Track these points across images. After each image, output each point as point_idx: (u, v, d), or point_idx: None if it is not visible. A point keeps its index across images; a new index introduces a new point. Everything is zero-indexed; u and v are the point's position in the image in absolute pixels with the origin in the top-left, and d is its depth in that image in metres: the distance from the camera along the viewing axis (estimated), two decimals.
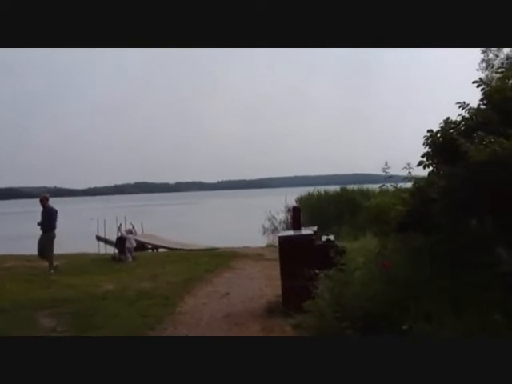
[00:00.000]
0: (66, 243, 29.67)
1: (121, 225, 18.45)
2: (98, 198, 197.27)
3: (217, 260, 15.40)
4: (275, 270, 12.90)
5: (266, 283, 11.28)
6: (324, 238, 15.40)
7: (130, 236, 16.99)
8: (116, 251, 16.97)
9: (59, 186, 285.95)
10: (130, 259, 16.15)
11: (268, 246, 22.39)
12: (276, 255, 16.98)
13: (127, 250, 16.35)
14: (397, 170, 7.13)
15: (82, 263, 16.11)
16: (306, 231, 8.99)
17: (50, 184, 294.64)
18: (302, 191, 37.69)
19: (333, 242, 13.88)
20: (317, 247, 8.56)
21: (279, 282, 11.03)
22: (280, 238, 8.48)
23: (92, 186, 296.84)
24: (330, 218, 28.50)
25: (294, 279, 8.21)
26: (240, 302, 9.56)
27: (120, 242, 16.85)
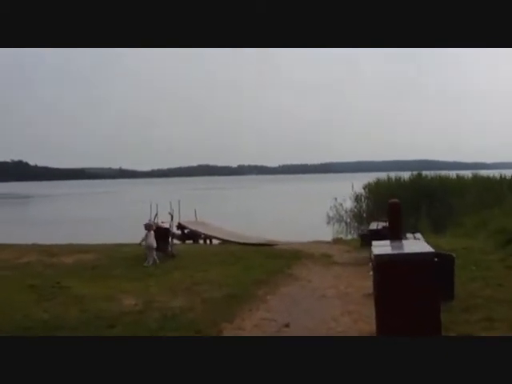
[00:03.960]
0: (116, 228, 27.88)
1: (156, 214, 15.26)
2: (160, 180, 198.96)
3: (274, 263, 12.17)
4: (351, 285, 9.69)
5: (342, 308, 7.99)
6: (409, 235, 12.03)
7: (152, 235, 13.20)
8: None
9: (124, 167, 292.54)
10: (150, 263, 12.62)
11: (335, 240, 19.21)
12: (348, 257, 14.04)
13: (149, 249, 12.84)
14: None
15: (111, 260, 13.29)
16: (418, 244, 5.61)
17: (116, 165, 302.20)
18: (366, 177, 34.45)
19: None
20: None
21: (362, 308, 7.83)
22: (378, 257, 5.10)
23: (156, 167, 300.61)
24: (404, 208, 25.03)
25: (401, 321, 4.95)
26: None
27: (156, 236, 13.83)
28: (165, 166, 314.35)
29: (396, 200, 7.01)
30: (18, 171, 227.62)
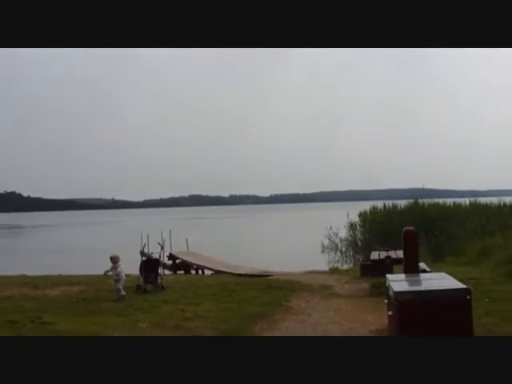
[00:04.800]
0: (106, 258, 27.09)
1: (145, 245, 14.49)
2: (153, 210, 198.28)
3: (270, 295, 11.50)
4: (355, 319, 8.99)
5: None
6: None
7: (119, 266, 12.33)
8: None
9: (117, 198, 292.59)
10: (122, 293, 11.91)
11: (332, 270, 18.55)
12: (348, 288, 13.29)
13: (117, 283, 12.08)
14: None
15: (97, 293, 12.57)
16: (443, 279, 4.96)
17: (108, 196, 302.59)
18: (358, 205, 34.06)
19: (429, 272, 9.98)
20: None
21: None
22: (400, 294, 4.41)
23: (148, 198, 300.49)
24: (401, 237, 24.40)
25: None
26: None
27: (146, 267, 13.14)
28: (157, 196, 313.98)
29: (411, 227, 6.38)
30: (11, 202, 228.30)
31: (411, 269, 5.81)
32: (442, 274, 5.16)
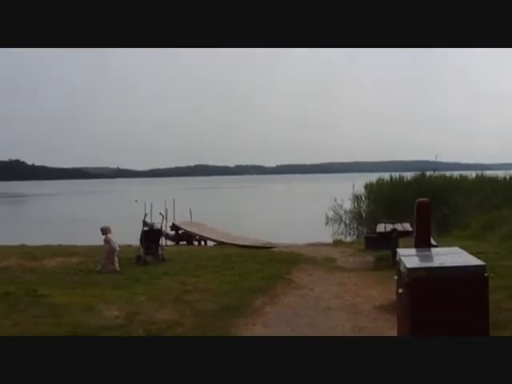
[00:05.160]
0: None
1: (146, 215, 14.19)
2: (158, 179, 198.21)
3: (273, 268, 11.23)
4: (358, 294, 8.76)
5: (350, 322, 7.03)
6: None
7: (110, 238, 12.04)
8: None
9: (122, 167, 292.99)
10: (117, 267, 11.69)
11: (336, 242, 18.27)
12: (353, 261, 13.07)
13: (109, 253, 11.87)
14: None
15: (96, 264, 12.29)
16: (458, 254, 4.65)
17: (113, 165, 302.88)
18: (364, 177, 33.77)
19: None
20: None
21: (375, 324, 6.91)
22: (413, 271, 4.08)
23: (154, 167, 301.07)
24: (407, 209, 24.08)
25: None
26: None
27: (146, 238, 12.88)
28: (163, 165, 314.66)
29: (425, 199, 6.02)
30: (15, 170, 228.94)
31: (422, 242, 5.48)
32: (456, 249, 4.84)
